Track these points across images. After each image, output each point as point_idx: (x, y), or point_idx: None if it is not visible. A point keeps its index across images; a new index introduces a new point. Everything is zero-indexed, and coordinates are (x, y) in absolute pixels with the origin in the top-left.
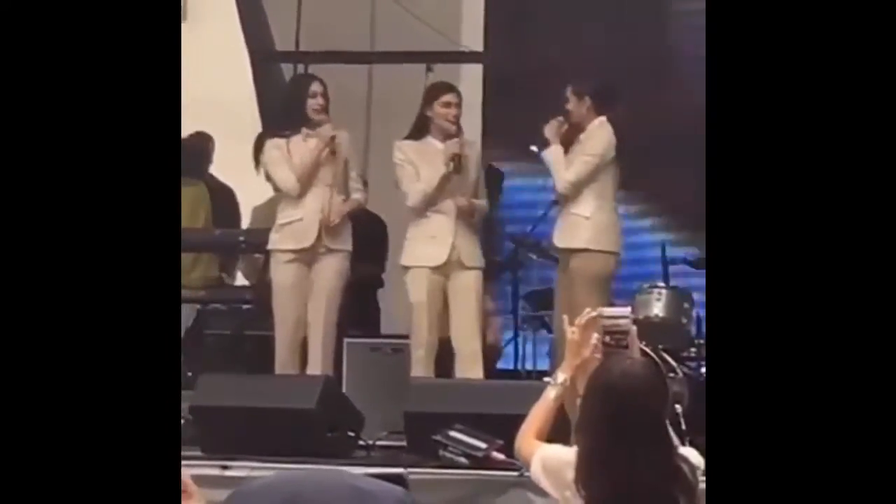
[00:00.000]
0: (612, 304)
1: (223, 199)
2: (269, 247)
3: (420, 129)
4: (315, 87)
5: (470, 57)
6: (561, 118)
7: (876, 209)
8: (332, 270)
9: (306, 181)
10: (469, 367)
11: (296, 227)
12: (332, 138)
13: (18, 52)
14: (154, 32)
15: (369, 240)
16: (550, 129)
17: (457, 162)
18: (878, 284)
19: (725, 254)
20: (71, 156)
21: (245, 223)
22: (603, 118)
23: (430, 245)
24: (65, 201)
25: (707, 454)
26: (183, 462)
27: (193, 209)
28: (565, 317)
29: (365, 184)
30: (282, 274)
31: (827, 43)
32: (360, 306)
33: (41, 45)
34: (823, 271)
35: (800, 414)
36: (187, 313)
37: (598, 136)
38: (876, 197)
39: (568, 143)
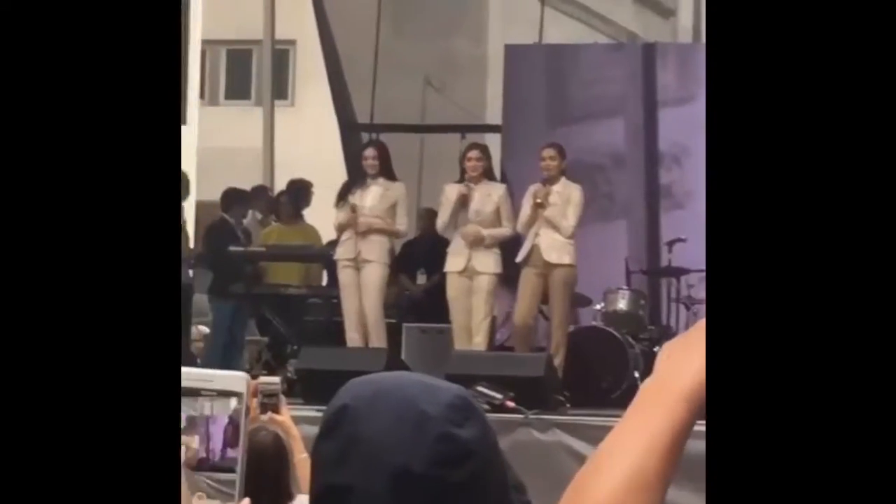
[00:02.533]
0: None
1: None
2: (336, 257)
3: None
4: (368, 151)
5: (492, 128)
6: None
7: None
8: (374, 275)
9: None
10: (482, 344)
11: (346, 244)
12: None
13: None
14: (155, 106)
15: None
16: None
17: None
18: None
19: (725, 253)
20: (68, 181)
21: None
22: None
23: (453, 257)
24: (63, 227)
25: (707, 452)
26: (290, 408)
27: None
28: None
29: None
30: (342, 276)
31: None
32: (419, 302)
33: (40, 104)
34: (829, 276)
35: (800, 415)
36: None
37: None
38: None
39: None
